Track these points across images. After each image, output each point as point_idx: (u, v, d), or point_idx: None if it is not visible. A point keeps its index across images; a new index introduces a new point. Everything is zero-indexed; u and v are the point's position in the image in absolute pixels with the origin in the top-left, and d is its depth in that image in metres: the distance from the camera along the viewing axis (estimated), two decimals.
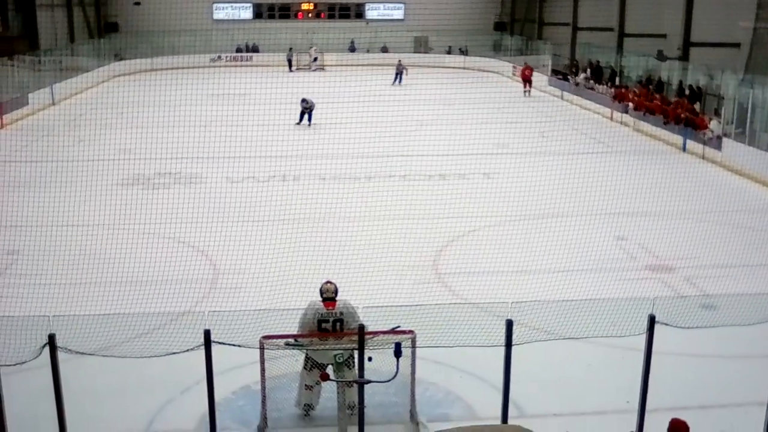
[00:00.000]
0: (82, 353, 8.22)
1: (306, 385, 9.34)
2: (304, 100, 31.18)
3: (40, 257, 14.61)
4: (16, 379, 8.37)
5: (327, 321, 9.12)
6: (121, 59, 50.55)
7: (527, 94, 40.05)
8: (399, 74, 44.40)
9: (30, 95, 34.13)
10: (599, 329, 8.93)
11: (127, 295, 12.54)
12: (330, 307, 9.15)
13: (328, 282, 9.44)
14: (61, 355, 7.96)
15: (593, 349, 10.66)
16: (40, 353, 7.91)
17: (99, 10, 56.67)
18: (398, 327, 8.58)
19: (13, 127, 30.11)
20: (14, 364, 7.91)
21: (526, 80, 40.66)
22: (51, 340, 7.87)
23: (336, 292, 9.31)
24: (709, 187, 21.08)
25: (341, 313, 9.13)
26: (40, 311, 11.03)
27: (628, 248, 15.75)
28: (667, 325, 8.46)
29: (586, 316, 8.97)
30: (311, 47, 51.87)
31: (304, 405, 9.38)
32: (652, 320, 8.27)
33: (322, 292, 9.32)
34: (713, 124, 25.07)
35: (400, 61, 45.60)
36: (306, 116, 30.90)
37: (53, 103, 36.33)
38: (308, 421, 9.35)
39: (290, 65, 51.29)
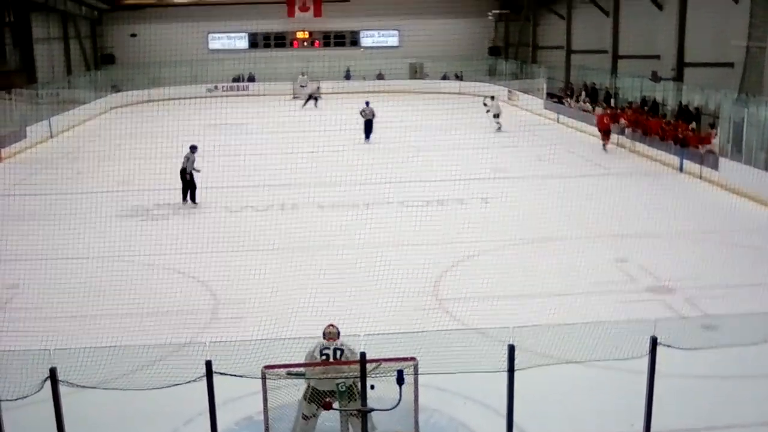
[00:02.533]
0: (84, 386, 8.20)
1: (303, 414, 9.32)
2: (363, 111, 33.03)
3: (40, 291, 14.61)
4: (18, 414, 8.36)
5: (328, 348, 9.20)
6: (118, 91, 50.73)
7: (605, 148, 31.23)
8: (315, 99, 45.70)
9: (28, 128, 34.17)
10: (601, 352, 8.92)
11: (128, 327, 12.53)
12: (332, 341, 9.28)
13: (330, 325, 9.55)
14: (62, 389, 7.95)
15: (596, 373, 10.63)
16: (42, 387, 7.90)
17: (95, 42, 57.01)
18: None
19: (12, 161, 30.15)
20: (16, 399, 7.90)
21: (605, 131, 31.55)
22: (52, 374, 7.87)
23: (338, 334, 9.42)
24: (707, 207, 21.13)
25: (342, 344, 9.23)
26: (41, 345, 11.01)
27: (628, 270, 15.76)
28: (669, 346, 8.45)
29: (587, 339, 8.97)
30: (300, 75, 51.93)
31: None
32: (654, 342, 8.27)
33: (324, 335, 9.41)
34: (715, 141, 25.23)
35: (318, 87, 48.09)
36: (367, 128, 32.71)
37: (51, 136, 36.41)
38: None
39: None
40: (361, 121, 33.11)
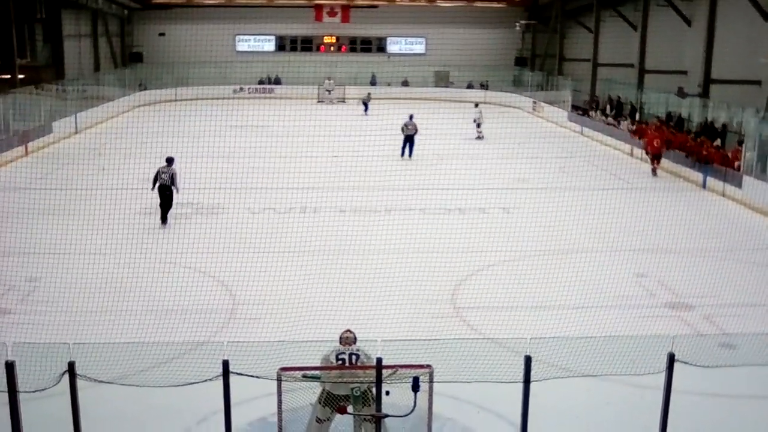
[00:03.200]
0: (101, 381, 8.26)
1: (317, 417, 9.33)
2: (405, 125, 30.74)
3: (60, 285, 14.70)
4: (35, 405, 8.42)
5: (344, 353, 9.21)
6: (144, 89, 51.16)
7: (655, 173, 28.64)
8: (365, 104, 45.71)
9: (54, 123, 34.54)
10: (618, 367, 8.88)
11: (147, 323, 12.60)
12: (348, 346, 9.28)
13: (347, 330, 9.53)
14: (80, 383, 8.01)
15: (612, 387, 10.59)
16: (60, 380, 7.97)
17: (124, 40, 57.53)
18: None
19: (37, 155, 30.45)
20: (34, 391, 7.97)
21: (657, 155, 28.78)
22: (71, 368, 7.93)
23: (355, 340, 9.40)
24: (729, 225, 20.99)
25: (358, 349, 9.23)
26: (60, 338, 11.12)
27: (647, 285, 15.68)
28: (686, 363, 8.41)
29: (604, 353, 8.93)
30: (327, 80, 52.18)
31: None
32: (671, 358, 8.23)
33: (341, 340, 9.40)
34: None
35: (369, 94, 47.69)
36: (408, 145, 30.56)
37: (77, 132, 36.74)
38: None
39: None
40: (396, 133, 30.85)
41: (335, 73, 53.14)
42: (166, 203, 20.19)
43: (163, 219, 20.15)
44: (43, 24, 43.51)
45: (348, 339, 9.38)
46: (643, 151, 30.51)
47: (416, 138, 30.79)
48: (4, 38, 36.38)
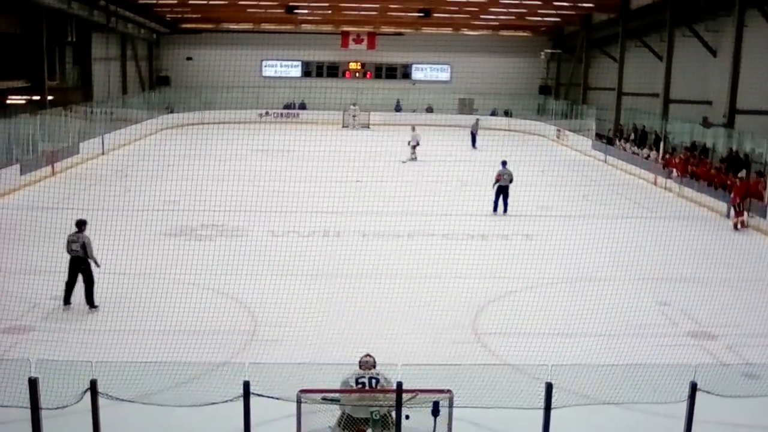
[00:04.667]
0: (123, 399, 8.32)
1: None
2: (501, 175, 25.72)
3: (84, 303, 14.84)
4: (57, 422, 8.49)
5: (364, 377, 9.24)
6: (171, 112, 51.63)
7: (739, 226, 24.46)
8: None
9: (81, 144, 34.93)
10: (640, 395, 8.84)
11: (168, 343, 12.65)
12: (367, 370, 9.31)
13: (367, 355, 9.56)
14: (101, 401, 8.07)
15: (633, 416, 10.50)
16: (82, 398, 8.03)
17: (152, 64, 58.19)
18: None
19: (64, 175, 30.76)
20: (56, 408, 8.04)
21: (742, 204, 24.76)
22: (93, 386, 8.00)
23: (374, 364, 9.42)
24: (752, 255, 20.83)
25: (378, 373, 9.26)
26: (83, 356, 11.21)
27: (669, 314, 15.58)
28: (708, 393, 8.35)
29: (626, 381, 8.90)
30: (352, 105, 52.50)
31: None
32: (693, 387, 8.19)
33: (360, 364, 9.43)
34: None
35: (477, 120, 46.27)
36: (502, 197, 25.41)
37: (103, 153, 37.13)
38: None
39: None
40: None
41: (360, 99, 53.41)
42: (86, 280, 15.17)
43: (89, 301, 15.07)
44: (74, 47, 44.14)
45: (368, 363, 9.41)
46: (667, 178, 30.45)
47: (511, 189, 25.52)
48: (34, 60, 36.93)
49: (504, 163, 25.71)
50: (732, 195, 25.28)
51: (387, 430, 8.82)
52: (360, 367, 9.42)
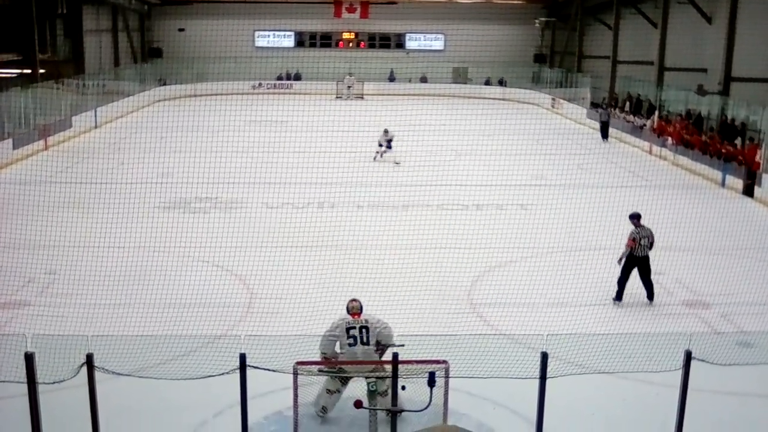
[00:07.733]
0: (119, 373, 8.33)
1: (328, 389, 9.69)
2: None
3: (79, 277, 14.80)
4: (53, 397, 8.50)
5: (354, 327, 9.60)
6: (164, 84, 51.35)
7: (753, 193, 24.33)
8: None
9: (74, 118, 34.73)
10: (635, 364, 8.87)
11: (164, 317, 12.67)
12: (356, 317, 9.76)
13: (353, 300, 10.08)
14: (98, 375, 8.07)
15: (628, 384, 10.57)
16: (78, 372, 8.03)
17: (143, 36, 57.72)
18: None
19: (57, 149, 30.63)
20: (52, 383, 8.04)
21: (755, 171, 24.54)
22: (89, 360, 7.99)
23: (361, 309, 9.92)
24: (747, 224, 20.86)
25: (366, 321, 9.67)
26: (79, 331, 11.23)
27: (664, 283, 15.61)
28: (703, 361, 8.38)
29: (621, 350, 8.92)
30: (348, 75, 52.26)
31: (322, 407, 9.75)
32: (688, 356, 8.21)
33: (348, 309, 9.92)
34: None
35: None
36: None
37: (96, 126, 36.94)
38: None
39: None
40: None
41: (354, 69, 53.13)
42: None
43: None
44: (64, 19, 43.71)
45: (354, 308, 9.88)
46: (662, 147, 30.39)
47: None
48: (25, 33, 36.58)
49: (637, 218, 15.07)
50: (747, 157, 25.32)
51: (384, 398, 8.90)
52: (348, 312, 9.86)
